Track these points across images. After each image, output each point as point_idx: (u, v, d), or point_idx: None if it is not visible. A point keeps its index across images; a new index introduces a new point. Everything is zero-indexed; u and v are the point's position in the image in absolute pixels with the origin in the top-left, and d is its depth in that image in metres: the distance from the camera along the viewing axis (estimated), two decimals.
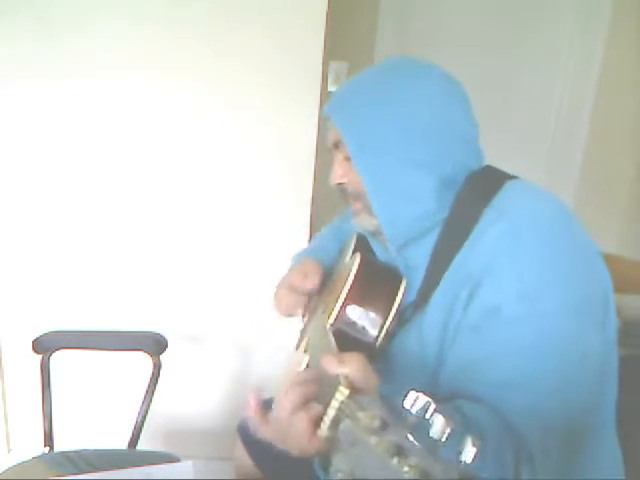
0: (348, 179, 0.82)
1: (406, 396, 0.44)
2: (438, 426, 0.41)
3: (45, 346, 1.17)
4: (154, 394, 1.21)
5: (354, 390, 0.50)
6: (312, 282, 0.92)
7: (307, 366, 0.80)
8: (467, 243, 0.74)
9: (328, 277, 1.04)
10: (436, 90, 0.77)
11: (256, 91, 1.42)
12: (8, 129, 1.42)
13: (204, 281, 1.56)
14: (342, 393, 0.50)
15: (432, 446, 0.40)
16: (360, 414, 0.44)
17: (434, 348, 0.75)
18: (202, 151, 1.46)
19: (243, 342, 1.61)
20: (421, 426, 0.42)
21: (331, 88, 1.85)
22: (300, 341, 1.00)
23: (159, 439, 1.64)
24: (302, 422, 0.55)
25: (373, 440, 0.40)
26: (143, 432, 1.22)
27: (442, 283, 0.75)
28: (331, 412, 0.51)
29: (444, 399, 0.68)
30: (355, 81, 0.83)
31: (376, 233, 0.84)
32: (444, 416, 0.42)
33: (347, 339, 0.71)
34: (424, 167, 0.75)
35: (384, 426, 0.42)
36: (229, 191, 1.50)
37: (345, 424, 0.46)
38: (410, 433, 0.40)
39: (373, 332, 0.78)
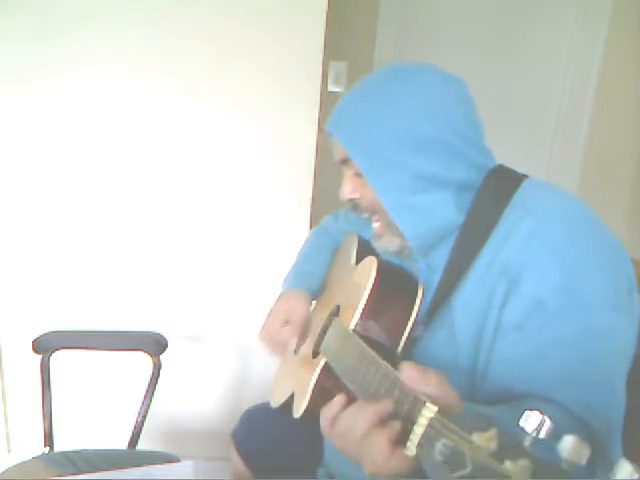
0: (360, 194, 0.82)
1: (521, 415, 0.41)
2: (570, 447, 0.38)
3: (45, 346, 1.17)
4: (154, 394, 1.20)
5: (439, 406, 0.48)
6: (292, 332, 0.96)
7: (325, 368, 0.79)
8: (492, 239, 0.74)
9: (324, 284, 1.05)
10: (438, 96, 0.77)
11: (256, 91, 1.42)
12: (7, 129, 1.42)
13: (204, 281, 1.56)
14: (430, 409, 0.48)
15: (568, 468, 0.38)
16: (474, 436, 0.41)
17: (469, 348, 0.74)
18: (202, 151, 1.46)
19: (243, 342, 1.61)
20: (539, 446, 0.40)
21: (331, 88, 1.85)
22: (299, 345, 1.00)
23: (159, 439, 1.63)
24: (380, 441, 0.52)
25: (509, 465, 0.38)
26: (143, 432, 1.22)
27: (470, 283, 0.75)
28: (419, 430, 0.48)
29: (512, 399, 0.67)
30: (354, 94, 0.82)
31: (399, 252, 0.84)
32: (575, 436, 0.39)
33: (368, 345, 0.71)
34: (439, 178, 0.76)
35: (501, 447, 0.40)
36: (229, 191, 1.49)
37: (445, 444, 0.43)
38: (536, 455, 0.38)
39: (394, 339, 0.78)
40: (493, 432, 0.40)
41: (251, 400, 1.23)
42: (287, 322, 0.98)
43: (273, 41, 1.39)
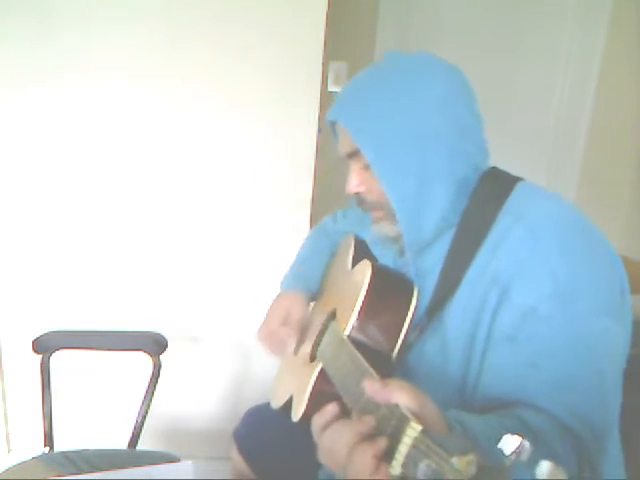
0: (366, 188, 0.81)
1: (500, 438, 0.42)
2: (547, 472, 0.39)
3: (45, 346, 1.17)
4: (154, 394, 1.21)
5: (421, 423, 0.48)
6: (291, 331, 0.96)
7: (321, 374, 0.79)
8: (484, 247, 0.73)
9: (321, 286, 1.05)
10: (443, 87, 0.76)
11: (256, 91, 1.42)
12: (7, 130, 1.42)
13: (204, 281, 1.56)
14: (414, 429, 0.47)
15: None
16: (454, 459, 0.41)
17: (459, 357, 0.74)
18: (202, 151, 1.46)
19: (243, 342, 1.61)
20: (518, 469, 0.40)
21: (331, 88, 1.84)
22: (298, 346, 0.99)
23: (159, 439, 1.64)
24: (365, 457, 0.51)
25: None
26: (143, 432, 1.22)
27: (461, 291, 0.74)
28: (403, 449, 0.47)
29: (502, 407, 0.67)
30: (360, 82, 0.81)
31: (397, 239, 0.83)
32: (552, 462, 0.39)
33: (363, 350, 0.71)
34: (443, 172, 0.75)
35: (480, 471, 0.40)
36: (229, 191, 1.50)
37: (428, 465, 0.43)
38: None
39: (390, 343, 0.77)
40: (472, 456, 0.40)
41: (251, 400, 1.23)
42: (285, 321, 0.98)
43: (273, 41, 1.39)
